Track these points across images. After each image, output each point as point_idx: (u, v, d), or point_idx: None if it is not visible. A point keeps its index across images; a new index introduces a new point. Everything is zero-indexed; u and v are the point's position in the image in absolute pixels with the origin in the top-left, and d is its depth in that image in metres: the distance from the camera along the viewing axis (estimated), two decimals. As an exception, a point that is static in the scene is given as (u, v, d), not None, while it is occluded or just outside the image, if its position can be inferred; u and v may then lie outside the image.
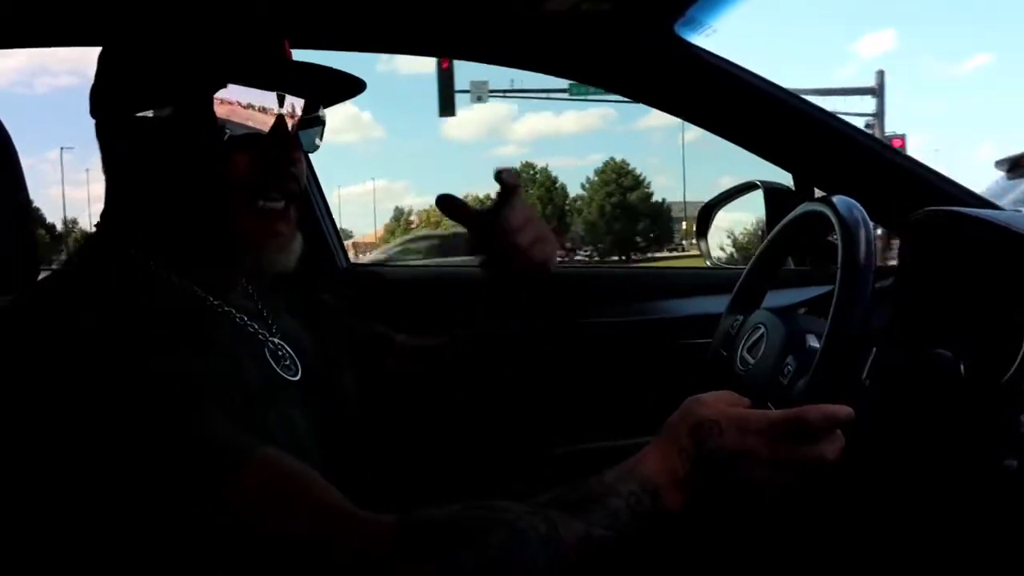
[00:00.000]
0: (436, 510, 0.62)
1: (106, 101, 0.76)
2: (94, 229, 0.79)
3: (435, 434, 1.41)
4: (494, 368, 0.98)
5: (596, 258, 35.77)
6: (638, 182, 39.77)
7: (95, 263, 0.75)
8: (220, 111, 0.71)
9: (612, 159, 41.14)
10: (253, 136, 0.73)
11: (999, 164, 3.15)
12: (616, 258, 35.20)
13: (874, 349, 0.85)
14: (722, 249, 1.76)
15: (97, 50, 0.78)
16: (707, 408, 0.70)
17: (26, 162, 1.04)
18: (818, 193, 1.47)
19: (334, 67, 0.75)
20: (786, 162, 1.46)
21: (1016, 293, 0.91)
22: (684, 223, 38.39)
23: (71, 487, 0.60)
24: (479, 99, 22.20)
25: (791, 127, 1.40)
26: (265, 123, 0.74)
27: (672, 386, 0.94)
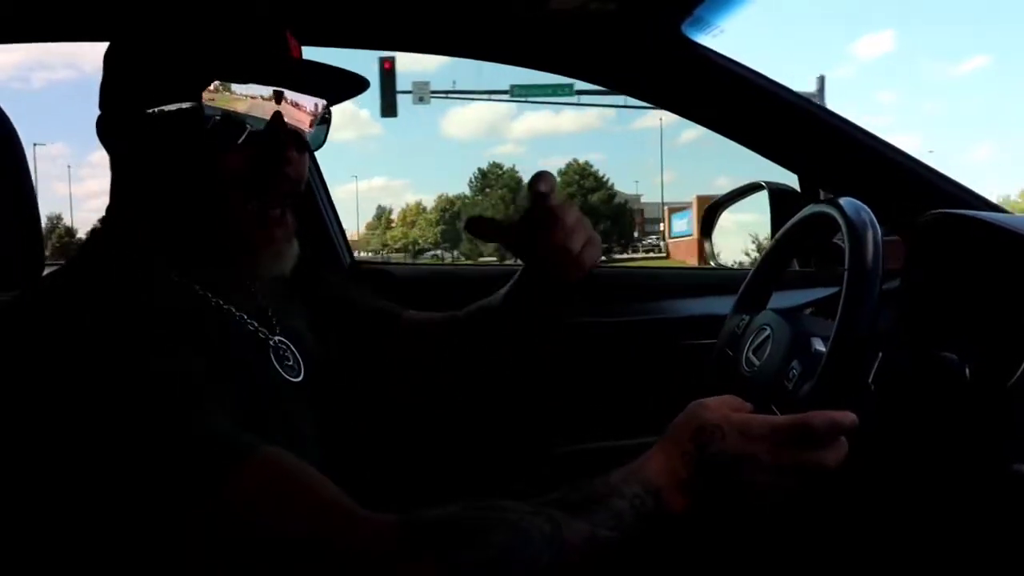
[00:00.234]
0: (438, 509, 0.62)
1: (109, 98, 0.76)
2: (98, 225, 0.79)
3: (437, 427, 1.42)
4: (502, 344, 0.98)
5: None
6: (600, 183, 41.65)
7: (98, 261, 0.75)
8: (222, 107, 0.71)
9: (575, 160, 43.22)
10: (250, 135, 0.73)
11: None
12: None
13: (880, 353, 0.85)
14: (747, 254, 1.75)
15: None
16: (710, 412, 0.70)
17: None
18: (823, 195, 1.47)
19: (339, 65, 0.75)
20: (792, 163, 1.46)
21: (1022, 296, 0.90)
22: (662, 224, 38.95)
23: (71, 485, 0.60)
24: (421, 100, 22.94)
25: (797, 128, 1.39)
26: (266, 119, 0.73)
27: (675, 386, 0.94)
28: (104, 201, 0.80)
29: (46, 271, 0.96)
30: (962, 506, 0.90)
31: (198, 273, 0.76)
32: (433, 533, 0.60)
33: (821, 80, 17.29)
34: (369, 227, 52.99)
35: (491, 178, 45.04)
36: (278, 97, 0.74)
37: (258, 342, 0.79)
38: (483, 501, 0.64)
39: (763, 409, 0.74)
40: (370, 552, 0.59)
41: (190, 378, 0.64)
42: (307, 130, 0.78)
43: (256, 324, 0.80)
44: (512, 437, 1.49)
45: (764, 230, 1.58)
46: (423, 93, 22.66)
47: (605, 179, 42.51)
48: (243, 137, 0.72)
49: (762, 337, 0.99)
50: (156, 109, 0.72)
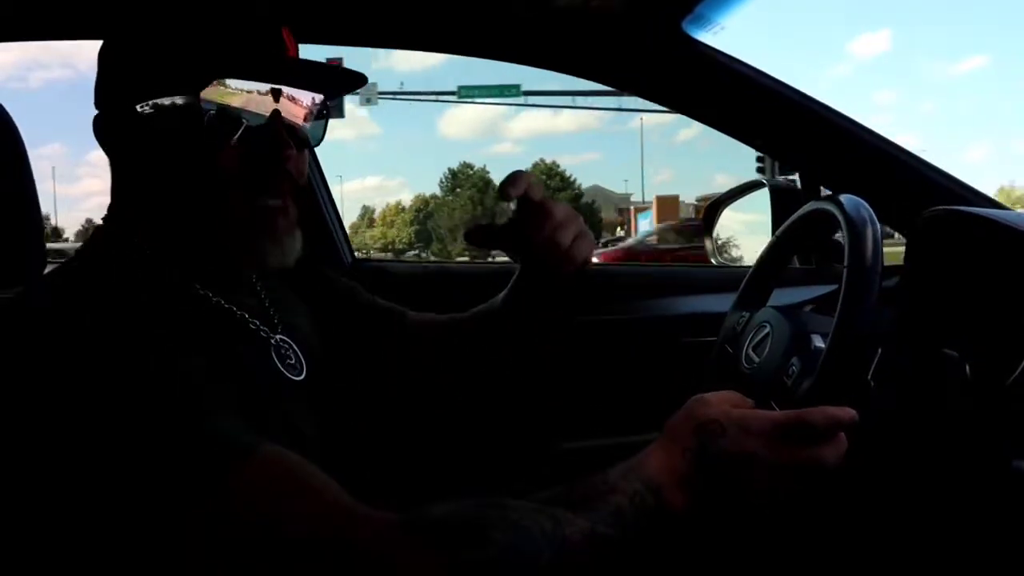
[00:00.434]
0: (439, 507, 0.62)
1: (106, 96, 0.76)
2: (101, 222, 0.79)
3: (438, 426, 1.42)
4: (503, 345, 0.99)
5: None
6: (566, 183, 42.73)
7: (99, 259, 0.75)
8: (217, 101, 0.71)
9: (542, 160, 44.72)
10: (247, 131, 0.72)
11: None
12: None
13: (879, 350, 0.85)
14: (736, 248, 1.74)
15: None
16: (711, 408, 0.70)
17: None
18: (824, 192, 1.47)
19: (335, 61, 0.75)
20: (793, 160, 1.46)
21: (1022, 293, 0.90)
22: (631, 224, 38.79)
23: (71, 485, 0.59)
24: (368, 101, 23.28)
25: (798, 125, 1.39)
26: (264, 116, 0.73)
27: (675, 384, 0.94)
28: (96, 201, 0.80)
29: (46, 270, 0.96)
30: (962, 503, 0.90)
31: (199, 272, 0.76)
32: (434, 531, 0.60)
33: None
34: (352, 227, 53.38)
35: (461, 178, 46.16)
36: (276, 94, 0.74)
37: (259, 341, 0.79)
38: (484, 499, 0.64)
39: (763, 406, 0.74)
40: (371, 551, 0.59)
41: (190, 377, 0.64)
42: (304, 125, 0.78)
43: (258, 323, 0.80)
44: (513, 435, 1.49)
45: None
46: (370, 95, 23.05)
47: (572, 179, 44.10)
48: (240, 133, 0.72)
49: (762, 334, 0.99)
50: (152, 106, 0.72)
